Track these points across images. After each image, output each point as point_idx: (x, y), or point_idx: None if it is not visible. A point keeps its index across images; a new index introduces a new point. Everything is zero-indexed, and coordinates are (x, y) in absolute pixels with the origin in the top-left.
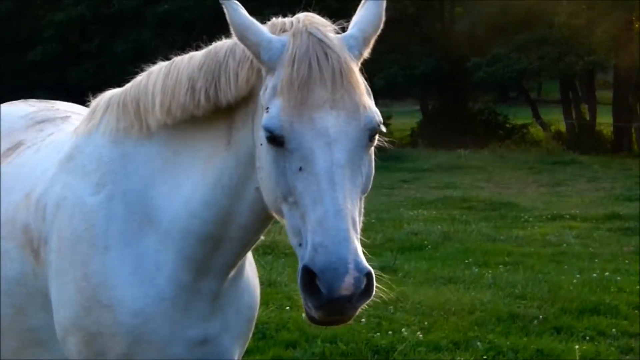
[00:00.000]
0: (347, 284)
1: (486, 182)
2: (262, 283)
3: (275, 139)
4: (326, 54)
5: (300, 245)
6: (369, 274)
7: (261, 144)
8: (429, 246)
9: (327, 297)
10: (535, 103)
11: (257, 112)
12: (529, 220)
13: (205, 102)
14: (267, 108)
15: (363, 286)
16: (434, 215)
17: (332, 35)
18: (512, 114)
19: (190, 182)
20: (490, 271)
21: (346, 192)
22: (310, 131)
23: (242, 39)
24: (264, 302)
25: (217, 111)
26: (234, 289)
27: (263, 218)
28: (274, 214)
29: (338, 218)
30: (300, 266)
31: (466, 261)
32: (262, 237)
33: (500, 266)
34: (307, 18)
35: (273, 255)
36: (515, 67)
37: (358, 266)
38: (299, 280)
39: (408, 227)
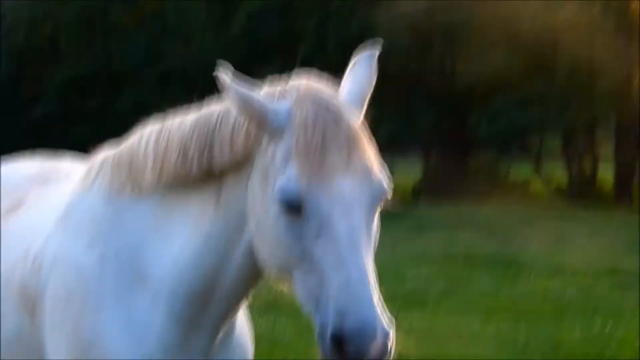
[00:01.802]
0: (375, 350)
1: (488, 237)
2: (263, 341)
3: (291, 205)
4: (335, 120)
5: (317, 311)
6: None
7: (266, 211)
8: (431, 302)
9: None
10: (538, 157)
11: (253, 177)
12: (531, 275)
13: (198, 169)
14: (280, 175)
15: (390, 345)
16: (436, 270)
17: (336, 101)
18: (515, 168)
19: (180, 241)
20: (492, 326)
21: (365, 256)
22: (328, 196)
23: (244, 111)
24: (268, 358)
25: (208, 174)
26: (226, 347)
27: (250, 280)
28: (278, 278)
29: (363, 283)
30: (319, 331)
31: (468, 317)
32: (262, 295)
33: (502, 322)
34: (306, 85)
35: (275, 313)
36: (516, 122)
37: (383, 331)
38: (324, 346)
39: (410, 284)
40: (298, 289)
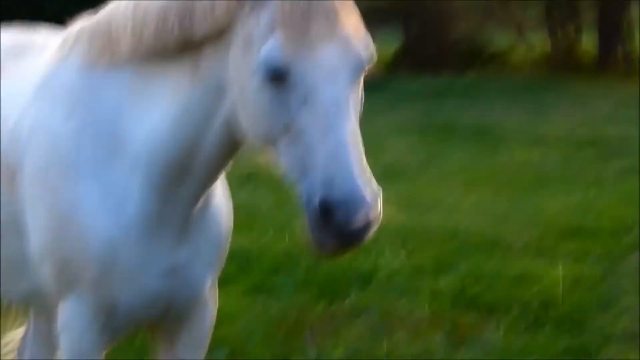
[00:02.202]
0: (363, 217)
1: (468, 108)
2: (243, 210)
3: (276, 73)
4: None
5: (302, 180)
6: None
7: (249, 80)
8: (411, 173)
9: (345, 228)
10: (519, 27)
11: (234, 46)
12: (512, 145)
13: (178, 36)
14: (264, 43)
15: (377, 213)
16: (415, 141)
17: None
18: (496, 37)
19: (158, 111)
20: (472, 197)
21: (351, 124)
22: (313, 63)
23: None
24: (247, 228)
25: (188, 43)
26: (203, 219)
27: (228, 151)
28: (259, 149)
29: (349, 151)
30: (306, 199)
31: (448, 187)
32: (242, 167)
33: (483, 192)
34: None
35: (254, 183)
36: None
37: (371, 199)
38: (310, 215)
39: (389, 155)
40: (282, 160)
